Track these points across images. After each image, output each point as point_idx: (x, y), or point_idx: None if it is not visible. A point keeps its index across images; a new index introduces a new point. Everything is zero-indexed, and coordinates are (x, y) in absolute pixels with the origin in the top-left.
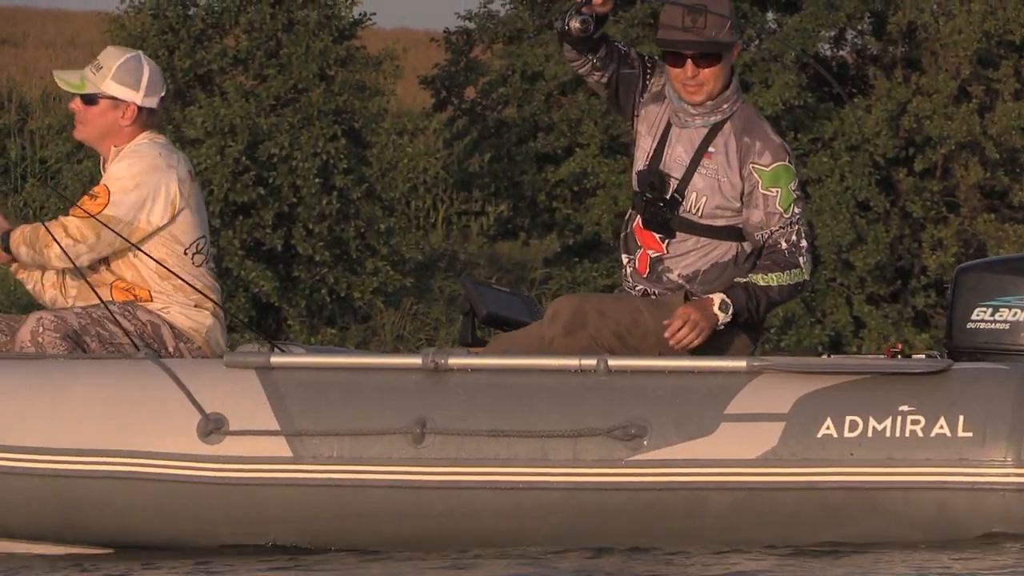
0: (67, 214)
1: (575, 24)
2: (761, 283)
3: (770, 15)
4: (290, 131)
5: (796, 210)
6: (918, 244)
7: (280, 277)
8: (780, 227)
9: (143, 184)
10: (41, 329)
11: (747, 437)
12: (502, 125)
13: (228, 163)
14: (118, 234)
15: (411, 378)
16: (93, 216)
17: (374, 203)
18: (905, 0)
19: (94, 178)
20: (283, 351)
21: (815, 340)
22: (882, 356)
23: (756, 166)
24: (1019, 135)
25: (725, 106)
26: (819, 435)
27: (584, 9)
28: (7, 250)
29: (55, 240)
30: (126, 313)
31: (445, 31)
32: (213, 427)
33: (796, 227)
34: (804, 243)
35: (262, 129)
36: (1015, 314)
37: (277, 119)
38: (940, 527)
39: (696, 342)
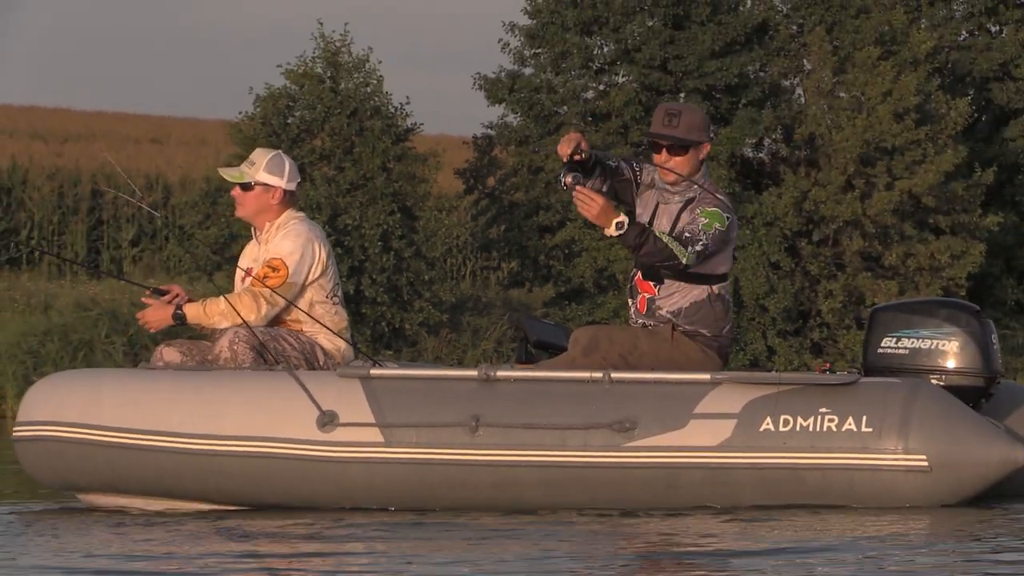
0: (209, 272)
1: (568, 180)
2: (657, 235)
3: None
4: (360, 208)
5: (710, 232)
6: (815, 294)
7: (352, 313)
8: (693, 230)
9: (306, 254)
10: (237, 340)
11: (710, 430)
12: (514, 205)
13: None
14: (291, 302)
15: (469, 385)
16: (274, 289)
17: (420, 260)
18: (807, 117)
19: (216, 240)
20: (381, 366)
21: (739, 363)
22: (815, 372)
23: (700, 208)
24: (890, 215)
25: (695, 187)
26: (761, 429)
27: (570, 168)
28: (181, 320)
29: (260, 305)
30: (292, 335)
31: (473, 136)
32: (327, 420)
33: (704, 237)
34: (699, 248)
35: (340, 206)
36: (912, 343)
37: (351, 199)
38: (848, 498)
39: (585, 213)
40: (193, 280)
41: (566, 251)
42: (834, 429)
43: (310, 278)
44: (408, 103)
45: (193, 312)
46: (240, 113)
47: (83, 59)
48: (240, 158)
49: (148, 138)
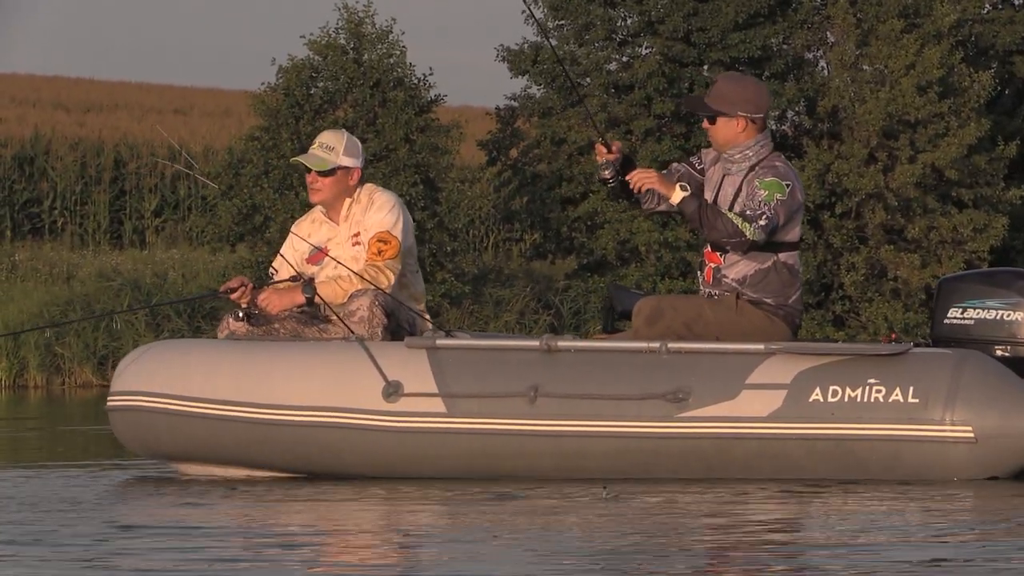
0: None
1: (606, 174)
2: (721, 209)
3: None
4: (383, 179)
5: (771, 203)
6: (837, 267)
7: None
8: (753, 205)
9: (405, 221)
10: (376, 304)
11: (761, 401)
12: (536, 177)
13: None
14: (377, 292)
15: (530, 356)
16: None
17: (443, 232)
18: (830, 89)
19: (240, 211)
20: (454, 336)
21: None
22: (880, 340)
23: (758, 180)
24: (912, 188)
25: (750, 153)
26: (810, 400)
27: (605, 163)
28: (311, 301)
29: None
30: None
31: (496, 108)
32: (393, 390)
33: (767, 209)
34: (763, 223)
35: (363, 177)
36: (978, 313)
37: (374, 170)
38: (895, 469)
39: (640, 186)
40: (216, 251)
41: (588, 223)
42: (881, 400)
43: (408, 243)
44: (431, 74)
45: (327, 291)
46: (263, 84)
47: (105, 29)
48: (263, 130)
49: (171, 108)
